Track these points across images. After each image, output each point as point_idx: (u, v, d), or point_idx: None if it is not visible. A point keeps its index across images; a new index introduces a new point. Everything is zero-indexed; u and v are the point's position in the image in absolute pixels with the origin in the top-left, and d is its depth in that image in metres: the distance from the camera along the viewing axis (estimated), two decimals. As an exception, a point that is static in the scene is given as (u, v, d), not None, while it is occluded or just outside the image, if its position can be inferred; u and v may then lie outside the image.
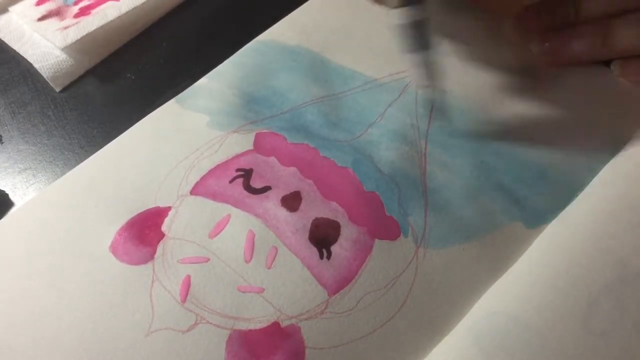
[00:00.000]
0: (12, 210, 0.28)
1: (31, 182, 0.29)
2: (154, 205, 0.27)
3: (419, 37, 0.25)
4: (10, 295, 0.25)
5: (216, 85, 0.31)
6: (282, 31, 0.34)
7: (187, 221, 0.26)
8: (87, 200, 0.27)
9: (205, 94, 0.31)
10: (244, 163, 0.28)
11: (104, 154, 0.29)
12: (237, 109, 0.30)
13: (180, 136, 0.29)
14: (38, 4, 0.37)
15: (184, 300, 0.24)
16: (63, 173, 0.29)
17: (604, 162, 0.27)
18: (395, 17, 0.25)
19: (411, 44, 0.26)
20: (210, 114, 0.30)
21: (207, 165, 0.28)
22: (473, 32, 0.33)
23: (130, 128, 0.30)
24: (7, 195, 0.29)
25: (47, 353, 0.23)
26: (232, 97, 0.31)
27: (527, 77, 0.31)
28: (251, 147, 0.29)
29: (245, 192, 0.27)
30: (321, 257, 0.25)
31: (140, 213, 0.27)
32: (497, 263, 0.25)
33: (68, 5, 0.37)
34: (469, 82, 0.31)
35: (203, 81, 0.32)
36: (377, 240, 0.25)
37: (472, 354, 0.22)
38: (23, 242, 0.26)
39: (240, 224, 0.26)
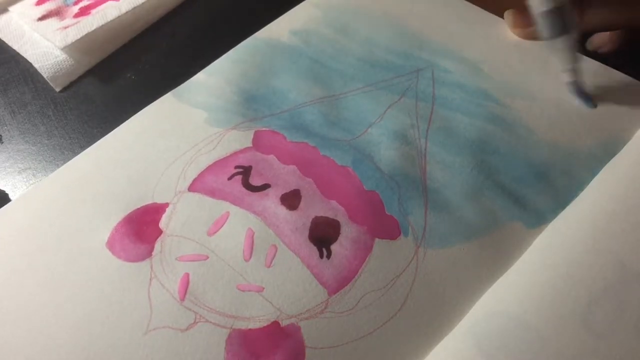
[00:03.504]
0: (6, 205, 0.27)
1: (31, 182, 0.29)
2: (151, 201, 0.27)
3: (559, 22, 0.27)
4: (5, 292, 0.24)
5: (214, 81, 0.31)
6: (280, 29, 0.34)
7: (186, 218, 0.26)
8: (82, 194, 0.27)
9: (203, 90, 0.31)
10: (243, 160, 0.28)
11: (100, 147, 0.29)
12: (236, 106, 0.30)
13: (178, 131, 0.29)
14: (38, 4, 0.37)
15: (182, 298, 0.24)
16: (63, 172, 0.28)
17: (604, 162, 0.27)
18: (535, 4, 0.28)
19: (552, 29, 0.28)
20: (209, 110, 0.30)
21: (205, 161, 0.28)
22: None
23: (126, 121, 0.30)
24: (7, 195, 0.29)
25: (43, 351, 0.23)
26: (230, 94, 0.31)
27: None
28: (250, 145, 0.28)
29: (244, 190, 0.27)
30: (321, 256, 0.25)
31: (138, 209, 0.26)
32: (497, 263, 0.25)
33: (68, 5, 0.37)
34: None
35: (200, 76, 0.32)
36: (377, 240, 0.25)
37: (472, 354, 0.21)
38: (17, 237, 0.26)
39: (239, 221, 0.26)
